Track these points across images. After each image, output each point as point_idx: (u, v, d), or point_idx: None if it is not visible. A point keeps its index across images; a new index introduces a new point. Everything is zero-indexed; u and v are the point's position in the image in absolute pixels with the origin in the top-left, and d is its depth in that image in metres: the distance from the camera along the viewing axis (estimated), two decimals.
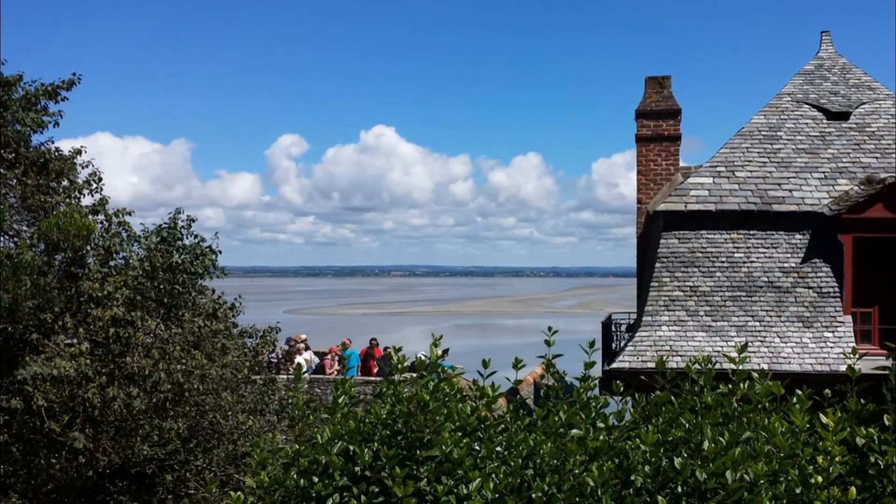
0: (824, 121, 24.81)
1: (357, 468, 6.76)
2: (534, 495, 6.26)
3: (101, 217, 19.08)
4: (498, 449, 7.06)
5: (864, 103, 25.28)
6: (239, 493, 6.95)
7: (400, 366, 7.76)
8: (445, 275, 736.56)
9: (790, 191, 22.68)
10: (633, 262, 27.22)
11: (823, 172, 23.16)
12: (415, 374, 7.79)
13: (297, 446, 7.25)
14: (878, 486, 6.49)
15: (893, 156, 23.51)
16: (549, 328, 8.09)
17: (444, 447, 6.63)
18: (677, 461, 6.24)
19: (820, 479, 6.24)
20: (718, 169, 23.44)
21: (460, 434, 6.94)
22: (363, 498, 6.45)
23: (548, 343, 8.12)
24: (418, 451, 6.70)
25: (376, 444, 6.90)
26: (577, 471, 6.56)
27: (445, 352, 8.04)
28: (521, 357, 7.87)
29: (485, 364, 7.67)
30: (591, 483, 6.36)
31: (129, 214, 19.34)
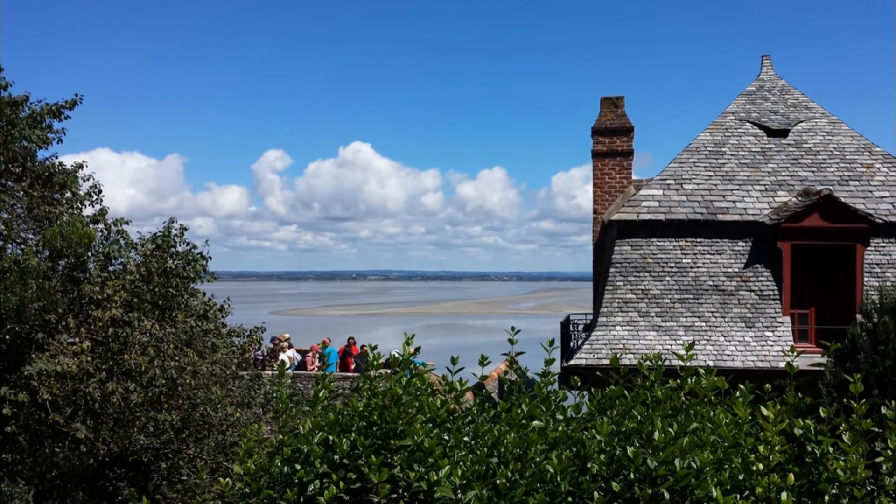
0: (765, 137, 24.93)
1: (336, 456, 6.73)
2: (498, 481, 6.24)
3: (100, 226, 19.01)
4: (465, 439, 7.04)
5: (801, 121, 25.42)
6: (228, 479, 6.91)
7: (375, 362, 7.73)
8: (417, 279, 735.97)
9: (734, 202, 22.79)
10: (589, 268, 27.24)
11: (764, 185, 23.28)
12: (389, 371, 7.76)
13: (281, 436, 7.21)
14: (814, 473, 6.51)
15: (829, 170, 23.65)
16: (513, 328, 8.09)
17: (415, 437, 6.60)
18: (630, 450, 6.22)
19: (761, 466, 6.25)
20: (668, 182, 23.52)
21: (431, 425, 6.91)
22: (342, 484, 6.42)
23: (511, 342, 8.11)
24: (392, 441, 6.67)
25: (354, 435, 6.86)
26: (538, 459, 6.55)
27: (417, 350, 8.00)
28: (486, 355, 7.86)
29: (453, 361, 7.65)
30: (551, 470, 6.35)
31: (127, 223, 19.25)
